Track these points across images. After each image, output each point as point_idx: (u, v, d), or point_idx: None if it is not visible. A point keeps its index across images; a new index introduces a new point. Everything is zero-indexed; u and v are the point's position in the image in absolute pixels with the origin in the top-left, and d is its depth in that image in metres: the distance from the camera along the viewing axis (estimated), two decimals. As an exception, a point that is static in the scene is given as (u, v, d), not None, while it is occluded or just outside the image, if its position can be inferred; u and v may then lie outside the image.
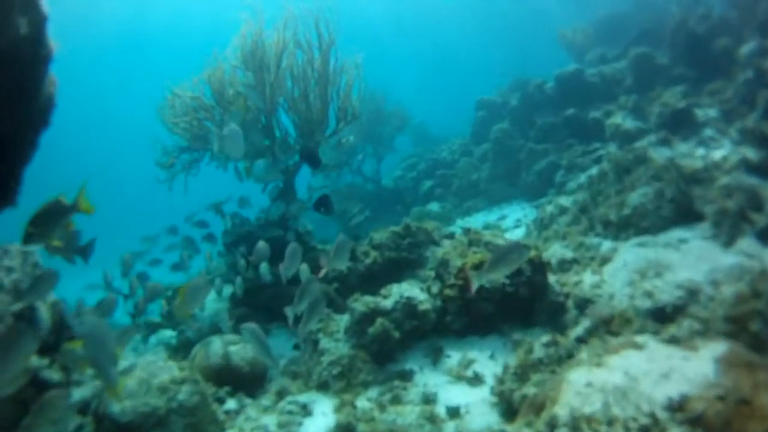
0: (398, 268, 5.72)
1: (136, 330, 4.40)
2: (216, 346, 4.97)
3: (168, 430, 3.82)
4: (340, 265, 4.34)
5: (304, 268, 4.94)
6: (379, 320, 4.69)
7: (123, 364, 5.56)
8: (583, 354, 3.12)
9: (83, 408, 3.82)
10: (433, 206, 10.62)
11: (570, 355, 3.59)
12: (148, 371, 3.99)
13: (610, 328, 3.69)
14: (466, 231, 5.83)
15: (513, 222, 8.68)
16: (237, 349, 4.97)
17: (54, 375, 4.12)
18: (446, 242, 5.88)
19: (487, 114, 12.07)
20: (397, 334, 4.71)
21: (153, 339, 6.28)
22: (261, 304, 6.48)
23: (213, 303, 7.20)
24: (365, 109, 12.13)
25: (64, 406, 3.35)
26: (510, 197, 10.26)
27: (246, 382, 4.83)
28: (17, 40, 2.09)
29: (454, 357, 4.58)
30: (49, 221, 2.73)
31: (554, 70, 10.70)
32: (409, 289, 5.00)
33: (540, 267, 4.78)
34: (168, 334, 6.45)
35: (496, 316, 4.72)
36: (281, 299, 5.95)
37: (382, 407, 4.05)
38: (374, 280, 5.64)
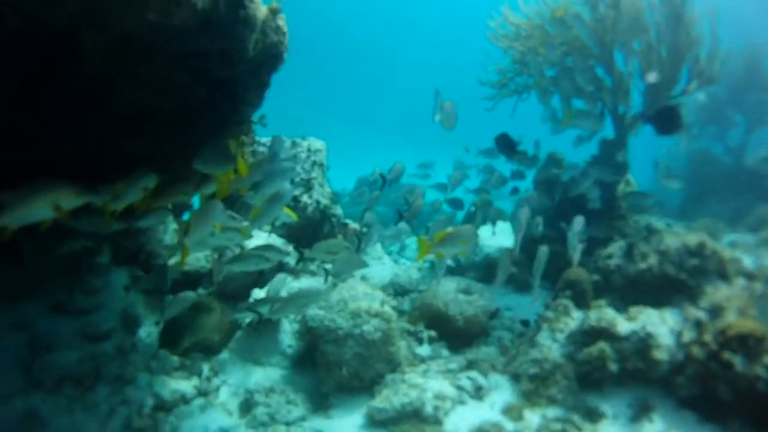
0: (669, 289, 4.81)
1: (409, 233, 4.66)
2: (449, 287, 5.03)
3: (339, 350, 4.17)
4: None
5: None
6: (602, 344, 4.14)
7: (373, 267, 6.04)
8: None
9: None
10: (790, 214, 8.51)
11: None
12: (352, 293, 4.28)
13: None
14: (766, 281, 4.65)
15: None
16: (465, 299, 4.94)
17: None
18: (739, 281, 4.76)
19: None
20: (614, 368, 4.12)
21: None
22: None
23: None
24: (735, 68, 9.93)
25: (315, 296, 3.82)
26: None
27: (455, 336, 4.84)
28: (194, 13, 2.31)
29: (656, 425, 3.82)
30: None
31: None
32: (658, 324, 4.23)
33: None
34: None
35: (731, 408, 3.71)
36: (560, 258, 5.71)
37: (541, 436, 3.72)
38: (638, 289, 4.87)
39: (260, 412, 4.09)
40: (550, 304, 4.73)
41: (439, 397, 4.04)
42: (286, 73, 3.31)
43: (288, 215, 4.02)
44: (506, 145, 4.35)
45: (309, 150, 5.74)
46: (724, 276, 4.81)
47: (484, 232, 6.56)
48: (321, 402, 4.29)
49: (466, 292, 4.97)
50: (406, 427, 3.70)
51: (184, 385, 4.20)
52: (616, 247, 5.00)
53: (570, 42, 5.78)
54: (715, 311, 4.19)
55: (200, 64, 2.67)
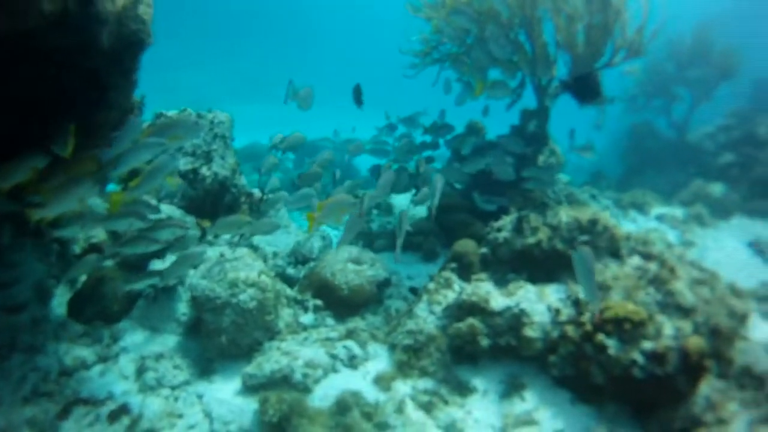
0: (559, 264, 4.79)
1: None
2: (341, 257, 5.05)
3: (217, 318, 4.30)
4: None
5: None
6: (471, 320, 4.16)
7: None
8: None
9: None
10: (716, 188, 8.43)
11: None
12: (234, 263, 4.37)
13: None
14: (662, 262, 4.55)
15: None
16: (354, 269, 4.95)
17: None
18: (634, 261, 4.70)
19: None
20: (485, 343, 4.12)
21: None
22: (449, 226, 6.22)
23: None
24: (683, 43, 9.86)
25: (202, 256, 4.17)
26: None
27: (341, 305, 4.87)
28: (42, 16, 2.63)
29: (527, 403, 3.81)
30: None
31: None
32: (534, 301, 4.21)
33: (696, 368, 3.51)
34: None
35: (604, 391, 3.69)
36: (467, 227, 5.77)
37: (400, 409, 3.78)
38: (526, 263, 4.88)
39: (149, 376, 4.23)
40: (434, 275, 4.74)
41: (309, 365, 4.08)
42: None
43: (170, 185, 4.08)
44: (355, 95, 4.48)
45: (212, 122, 5.77)
46: (616, 254, 4.67)
47: (400, 200, 6.62)
48: (206, 367, 4.40)
49: (357, 261, 5.00)
50: (272, 393, 3.79)
51: (86, 351, 4.37)
52: (508, 220, 4.99)
53: (485, 11, 5.73)
54: (600, 290, 4.17)
55: (63, 58, 3.01)
